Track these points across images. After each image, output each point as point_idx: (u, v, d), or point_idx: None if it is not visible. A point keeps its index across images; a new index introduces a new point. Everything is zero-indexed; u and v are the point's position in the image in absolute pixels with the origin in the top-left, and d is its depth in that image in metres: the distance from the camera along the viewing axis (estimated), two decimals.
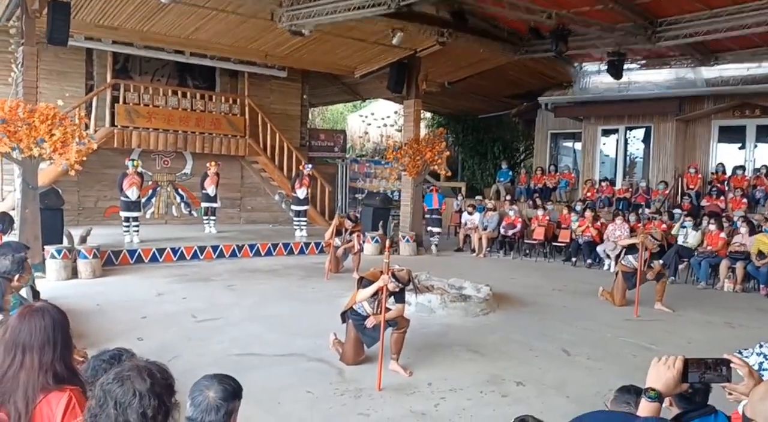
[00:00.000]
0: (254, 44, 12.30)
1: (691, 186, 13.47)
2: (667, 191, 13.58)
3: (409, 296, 6.18)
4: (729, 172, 13.38)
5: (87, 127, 11.23)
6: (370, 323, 5.29)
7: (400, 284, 5.28)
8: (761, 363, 2.38)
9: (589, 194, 14.38)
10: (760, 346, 2.46)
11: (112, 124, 12.71)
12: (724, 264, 9.93)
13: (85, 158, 8.80)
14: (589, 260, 11.86)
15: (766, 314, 8.21)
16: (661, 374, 1.65)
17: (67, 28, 8.84)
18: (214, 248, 11.11)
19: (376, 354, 5.13)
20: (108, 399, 1.77)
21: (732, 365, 1.77)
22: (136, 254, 10.25)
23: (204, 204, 12.85)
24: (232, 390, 2.13)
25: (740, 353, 2.50)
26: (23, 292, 4.56)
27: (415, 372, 5.29)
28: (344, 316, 5.59)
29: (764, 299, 9.21)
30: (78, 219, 12.58)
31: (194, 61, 13.47)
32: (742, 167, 13.30)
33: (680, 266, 10.62)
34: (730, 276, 9.87)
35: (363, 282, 5.37)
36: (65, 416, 2.13)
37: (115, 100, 12.83)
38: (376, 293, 5.19)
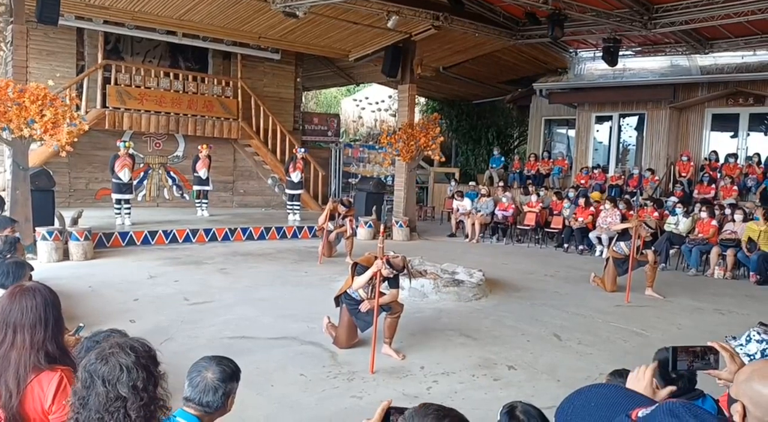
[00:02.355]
0: (247, 26, 12.17)
1: (683, 174, 13.52)
2: (656, 178, 13.62)
3: (403, 281, 6.18)
4: (722, 160, 13.45)
5: (78, 108, 11.12)
6: (364, 307, 5.30)
7: (394, 271, 5.27)
8: (764, 350, 2.39)
9: (582, 182, 14.41)
10: (758, 333, 2.47)
11: (104, 105, 12.59)
12: (714, 251, 10.00)
13: (76, 140, 8.71)
14: (581, 246, 11.91)
15: (755, 300, 8.29)
16: (635, 386, 1.69)
17: (58, 6, 8.72)
18: (207, 231, 11.07)
19: (369, 338, 5.14)
20: (95, 379, 1.77)
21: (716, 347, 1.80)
22: (128, 236, 10.21)
23: (196, 187, 12.79)
24: (230, 372, 2.14)
25: (734, 339, 2.52)
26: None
27: (407, 356, 5.31)
28: (338, 300, 5.60)
29: (753, 287, 9.29)
30: (69, 201, 12.50)
31: (186, 42, 13.35)
32: (734, 155, 13.35)
33: (671, 253, 10.70)
34: (721, 263, 9.95)
35: (357, 268, 5.36)
36: (56, 396, 2.13)
37: (106, 81, 12.70)
38: (370, 279, 5.19)
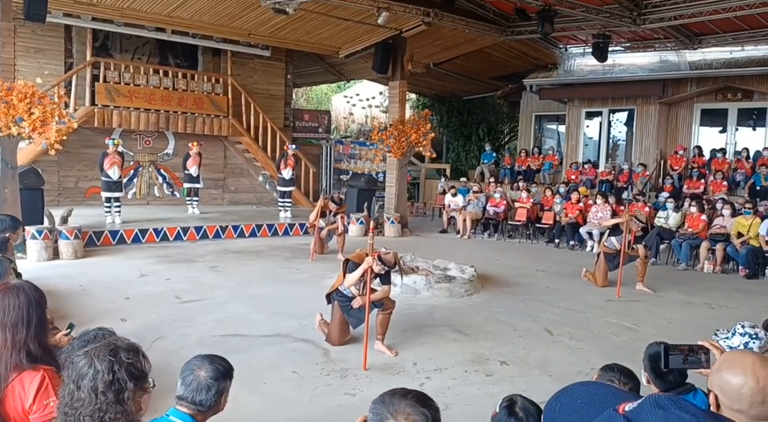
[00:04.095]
0: (237, 22, 12.12)
1: (675, 168, 13.59)
2: (646, 173, 13.70)
3: (395, 278, 6.18)
4: (707, 155, 13.55)
5: (67, 106, 11.02)
6: (356, 304, 5.30)
7: (385, 267, 5.27)
8: (746, 343, 2.43)
9: (573, 177, 14.47)
10: (742, 327, 2.51)
11: (93, 103, 12.49)
12: (704, 246, 10.07)
13: (65, 138, 8.65)
14: (572, 242, 11.96)
15: (745, 294, 8.35)
16: None
17: (45, 3, 8.65)
18: (198, 229, 11.03)
19: (362, 335, 5.14)
20: (72, 372, 1.77)
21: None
22: (119, 234, 10.15)
23: (187, 185, 12.74)
24: (223, 370, 2.13)
25: (717, 333, 2.55)
26: None
27: (400, 352, 5.32)
28: (330, 297, 5.60)
29: (743, 280, 9.37)
30: (58, 199, 12.42)
31: (176, 39, 13.25)
32: (721, 150, 13.44)
33: (661, 248, 10.77)
34: (710, 258, 10.01)
35: (348, 265, 5.36)
36: (37, 395, 2.11)
37: (95, 78, 12.59)
38: (362, 275, 5.20)
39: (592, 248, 11.18)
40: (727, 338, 2.57)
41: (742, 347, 2.41)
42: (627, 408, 1.22)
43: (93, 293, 6.98)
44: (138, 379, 1.81)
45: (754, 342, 2.43)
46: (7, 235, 4.43)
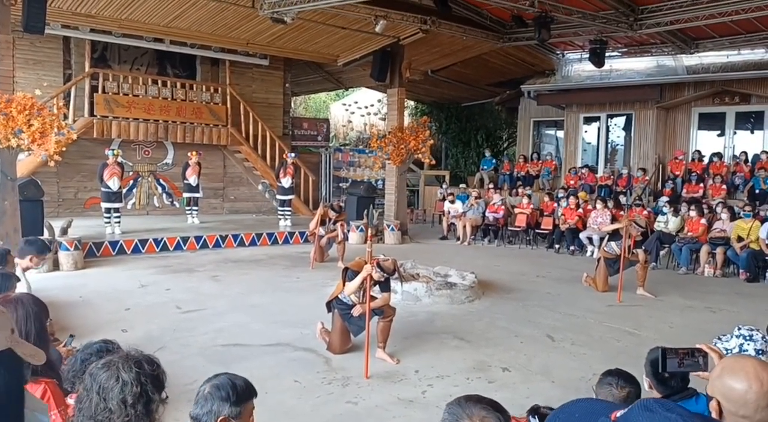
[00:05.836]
0: (235, 32, 12.15)
1: (675, 172, 13.60)
2: (647, 178, 13.71)
3: (395, 285, 6.18)
4: (706, 159, 13.56)
5: (66, 117, 11.05)
6: (356, 312, 5.29)
7: (385, 274, 5.27)
8: (741, 345, 2.43)
9: (572, 182, 14.48)
10: (739, 329, 2.51)
11: (91, 114, 12.51)
12: (704, 250, 10.07)
13: (64, 149, 8.66)
14: (572, 247, 11.95)
15: (745, 298, 8.35)
16: None
17: (44, 15, 8.66)
18: (198, 238, 11.03)
19: (363, 343, 5.13)
20: (93, 385, 1.76)
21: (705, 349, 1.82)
22: (118, 245, 10.15)
23: (186, 194, 12.74)
24: (224, 393, 2.00)
25: (721, 338, 2.55)
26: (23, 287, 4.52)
27: (402, 360, 5.31)
28: (330, 305, 5.59)
29: (743, 284, 9.36)
30: (58, 211, 12.42)
31: (174, 49, 13.29)
32: (718, 155, 13.45)
33: (661, 252, 10.77)
34: (711, 262, 10.01)
35: (348, 273, 5.36)
36: None
37: (93, 89, 12.62)
38: (362, 283, 5.19)
39: (593, 253, 11.17)
40: (727, 340, 2.58)
41: (737, 349, 2.42)
42: (618, 415, 1.25)
43: (93, 305, 6.97)
44: (161, 390, 1.83)
45: (748, 344, 2.44)
46: (7, 248, 4.42)
